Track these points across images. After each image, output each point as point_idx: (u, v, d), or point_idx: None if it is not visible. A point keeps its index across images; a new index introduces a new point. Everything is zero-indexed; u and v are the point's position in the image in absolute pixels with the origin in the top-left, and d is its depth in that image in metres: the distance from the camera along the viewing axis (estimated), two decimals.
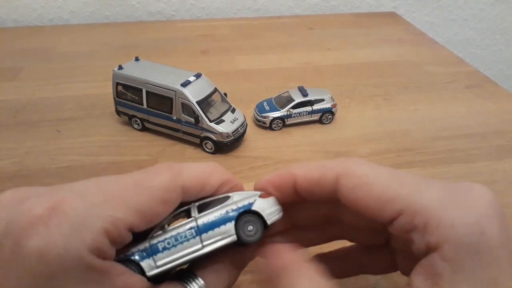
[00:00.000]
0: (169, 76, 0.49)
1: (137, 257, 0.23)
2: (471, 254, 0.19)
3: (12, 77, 0.67)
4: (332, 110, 0.56)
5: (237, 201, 0.24)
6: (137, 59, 0.54)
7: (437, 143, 0.53)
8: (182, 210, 0.25)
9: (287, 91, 0.57)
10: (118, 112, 0.54)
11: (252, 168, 0.48)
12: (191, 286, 0.23)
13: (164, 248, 0.23)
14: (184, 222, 0.24)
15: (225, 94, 0.52)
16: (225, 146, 0.49)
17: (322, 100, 0.55)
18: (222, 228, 0.23)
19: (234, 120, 0.50)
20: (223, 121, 0.49)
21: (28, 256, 0.19)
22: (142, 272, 0.23)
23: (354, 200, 0.23)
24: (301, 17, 0.99)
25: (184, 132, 0.50)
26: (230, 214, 0.24)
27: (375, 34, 0.88)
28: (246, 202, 0.24)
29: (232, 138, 0.49)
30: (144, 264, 0.23)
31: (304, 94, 0.55)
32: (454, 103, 0.63)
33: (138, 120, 0.53)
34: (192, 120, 0.48)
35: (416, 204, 0.21)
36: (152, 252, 0.23)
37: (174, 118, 0.49)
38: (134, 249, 0.23)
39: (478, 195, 0.21)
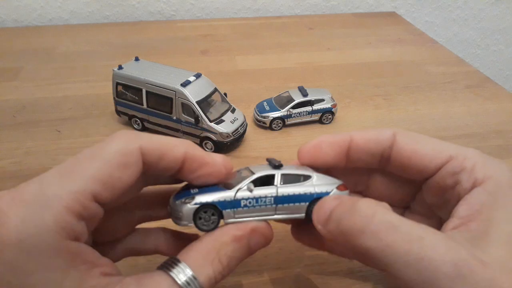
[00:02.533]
0: (169, 76, 0.49)
1: (220, 205, 0.25)
2: (509, 188, 0.24)
3: (12, 77, 0.67)
4: (332, 110, 0.56)
5: (316, 185, 0.27)
6: (137, 59, 0.54)
7: None
8: (269, 174, 0.26)
9: (287, 91, 0.57)
10: (118, 112, 0.54)
11: None
12: (175, 272, 0.22)
13: (245, 206, 0.25)
14: (267, 188, 0.26)
15: (225, 94, 0.52)
16: (225, 146, 0.49)
17: (322, 100, 0.55)
18: (297, 205, 0.26)
19: (234, 120, 0.50)
20: (223, 121, 0.49)
21: None
22: (220, 218, 0.25)
23: (412, 150, 0.27)
24: (301, 17, 0.99)
25: (184, 132, 0.50)
26: (308, 195, 0.26)
27: (375, 34, 0.88)
28: (324, 189, 0.27)
29: (232, 138, 0.49)
30: (225, 213, 0.25)
31: (304, 94, 0.55)
32: (454, 103, 0.63)
33: (138, 120, 0.53)
34: (192, 120, 0.48)
35: (465, 152, 0.26)
36: (234, 205, 0.25)
37: (174, 118, 0.49)
38: (217, 197, 0.25)
39: (502, 162, 0.26)
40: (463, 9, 1.10)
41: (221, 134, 0.48)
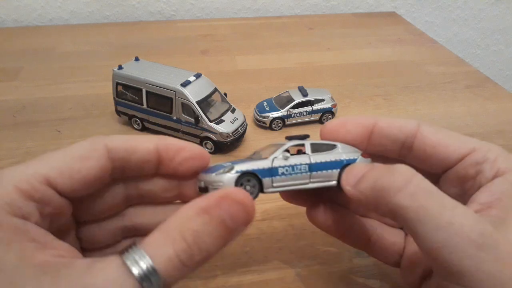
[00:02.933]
0: (169, 76, 0.49)
1: (259, 173, 0.25)
2: None
3: (12, 77, 0.67)
4: (332, 110, 0.56)
5: (343, 153, 0.28)
6: (137, 59, 0.54)
7: None
8: (298, 144, 0.27)
9: (287, 91, 0.57)
10: (118, 112, 0.54)
11: None
12: (129, 257, 0.20)
13: (282, 174, 0.26)
14: (300, 156, 0.27)
15: (225, 94, 0.52)
16: (225, 146, 0.49)
17: (322, 100, 0.55)
18: (329, 172, 0.27)
19: (234, 120, 0.50)
20: (223, 121, 0.49)
21: None
22: (260, 187, 0.25)
23: (436, 139, 0.28)
24: (301, 17, 0.99)
25: (184, 132, 0.50)
26: (338, 162, 0.27)
27: (375, 34, 0.88)
28: (351, 157, 0.28)
29: (232, 138, 0.49)
30: (265, 181, 0.25)
31: (304, 94, 0.55)
32: (454, 103, 0.63)
33: (138, 120, 0.53)
34: (192, 120, 0.48)
35: (488, 145, 0.27)
36: (272, 173, 0.25)
37: (174, 118, 0.49)
38: (256, 165, 0.25)
39: None
40: (463, 9, 1.10)
41: (221, 134, 0.48)
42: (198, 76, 0.50)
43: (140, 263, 0.19)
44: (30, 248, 0.19)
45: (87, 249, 0.27)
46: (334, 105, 0.56)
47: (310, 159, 0.27)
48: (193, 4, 0.95)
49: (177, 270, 0.20)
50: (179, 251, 0.20)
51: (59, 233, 0.23)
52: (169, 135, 0.52)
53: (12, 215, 0.20)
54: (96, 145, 0.23)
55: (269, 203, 0.42)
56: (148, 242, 0.20)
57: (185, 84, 0.47)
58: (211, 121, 0.48)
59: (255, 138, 0.53)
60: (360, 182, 0.25)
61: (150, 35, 0.85)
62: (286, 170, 0.26)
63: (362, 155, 0.29)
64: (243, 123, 0.51)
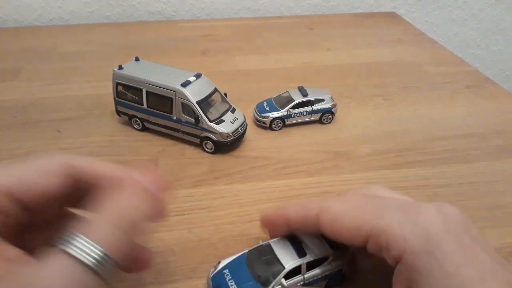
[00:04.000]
0: (169, 76, 0.49)
1: None
2: (426, 255, 0.24)
3: (12, 77, 0.67)
4: (332, 110, 0.56)
5: (333, 262, 0.32)
6: (137, 59, 0.54)
7: (437, 143, 0.53)
8: (296, 266, 0.30)
9: (287, 91, 0.57)
10: (118, 112, 0.54)
11: (252, 168, 0.48)
12: (78, 251, 0.19)
13: None
14: (295, 277, 0.30)
15: (225, 94, 0.52)
16: (225, 146, 0.49)
17: (322, 100, 0.55)
18: (320, 283, 0.32)
19: (234, 120, 0.50)
20: (223, 121, 0.49)
21: None
22: None
23: (332, 232, 0.29)
24: (301, 17, 0.99)
25: (184, 132, 0.50)
26: (327, 275, 0.32)
27: (375, 34, 0.88)
28: (337, 269, 0.32)
29: (232, 138, 0.49)
30: None
31: (304, 94, 0.55)
32: (454, 103, 0.63)
33: (138, 120, 0.53)
34: (192, 120, 0.48)
35: (377, 229, 0.26)
36: None
37: (174, 118, 0.49)
38: None
39: (425, 210, 0.26)
40: (463, 9, 1.10)
41: (221, 134, 0.48)
42: (198, 76, 0.50)
43: (90, 253, 0.19)
44: None
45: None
46: (334, 105, 0.56)
47: (304, 278, 0.30)
48: (193, 4, 0.95)
49: (118, 243, 0.21)
50: (114, 222, 0.21)
51: (8, 235, 0.23)
52: (169, 135, 0.52)
53: None
54: (54, 158, 0.24)
55: (269, 203, 0.42)
56: (90, 229, 0.20)
57: (185, 84, 0.47)
58: (211, 121, 0.48)
59: (255, 138, 0.54)
60: None
61: (150, 35, 0.85)
62: None
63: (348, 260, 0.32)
64: (243, 123, 0.51)
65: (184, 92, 0.47)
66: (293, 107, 0.54)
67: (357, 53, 0.79)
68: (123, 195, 0.23)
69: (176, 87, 0.47)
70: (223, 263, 0.32)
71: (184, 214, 0.41)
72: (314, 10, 1.02)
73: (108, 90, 0.54)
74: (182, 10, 0.96)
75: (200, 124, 0.48)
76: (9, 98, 0.61)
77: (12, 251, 0.21)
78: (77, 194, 0.25)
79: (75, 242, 0.19)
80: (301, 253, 0.31)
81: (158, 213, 0.26)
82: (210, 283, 0.31)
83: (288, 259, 0.30)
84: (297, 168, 0.48)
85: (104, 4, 0.92)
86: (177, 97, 0.47)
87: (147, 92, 0.49)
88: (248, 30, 0.89)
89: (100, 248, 0.19)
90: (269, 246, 0.32)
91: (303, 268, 0.30)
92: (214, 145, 0.49)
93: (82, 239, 0.19)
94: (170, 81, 0.48)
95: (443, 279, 0.23)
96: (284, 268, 0.29)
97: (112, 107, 0.55)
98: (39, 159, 0.24)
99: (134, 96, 0.51)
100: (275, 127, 0.55)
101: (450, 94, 0.66)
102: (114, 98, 0.53)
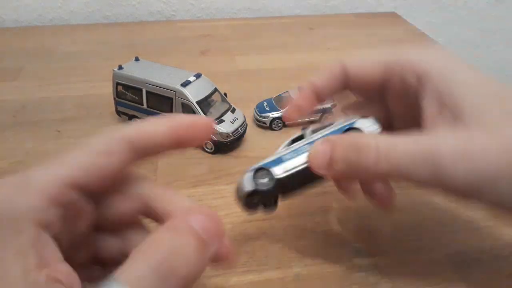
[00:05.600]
0: (169, 76, 0.49)
1: (268, 166, 0.30)
2: (449, 67, 0.28)
3: (12, 77, 0.67)
4: (332, 110, 0.56)
5: (341, 122, 0.31)
6: (137, 59, 0.54)
7: None
8: (299, 136, 0.31)
9: (287, 91, 0.57)
10: (118, 112, 0.54)
11: None
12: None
13: (288, 159, 0.29)
14: (301, 141, 0.31)
15: (225, 94, 0.52)
16: (225, 146, 0.49)
17: None
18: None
19: (234, 120, 0.50)
20: (223, 121, 0.49)
21: None
22: (272, 176, 0.29)
23: (356, 71, 0.33)
24: (301, 17, 0.99)
25: None
26: (337, 128, 0.30)
27: (375, 34, 0.88)
28: (350, 121, 0.31)
29: (232, 138, 0.49)
30: (274, 169, 0.29)
31: None
32: None
33: (138, 120, 0.53)
34: None
35: (400, 54, 0.30)
36: (279, 161, 0.29)
37: None
38: (264, 162, 0.30)
39: (438, 48, 0.32)
40: (463, 9, 1.10)
41: (221, 134, 0.48)
42: (198, 76, 0.50)
43: None
44: (33, 264, 0.18)
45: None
46: (334, 105, 0.56)
47: (311, 139, 0.30)
48: (193, 4, 0.95)
49: None
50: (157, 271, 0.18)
51: (73, 248, 0.22)
52: None
53: (35, 223, 0.19)
54: (114, 136, 0.23)
55: None
56: (126, 275, 0.17)
57: (185, 84, 0.47)
58: None
59: (255, 138, 0.53)
60: (332, 164, 0.27)
61: (150, 35, 0.85)
62: (291, 155, 0.29)
63: (362, 116, 0.31)
64: (243, 123, 0.51)
65: (184, 92, 0.47)
66: None
67: (357, 53, 0.79)
68: (173, 238, 0.19)
69: (176, 87, 0.47)
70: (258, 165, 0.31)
71: None
72: (314, 10, 1.02)
73: (108, 90, 0.54)
74: (182, 10, 0.96)
75: None
76: (9, 98, 0.61)
77: (64, 271, 0.19)
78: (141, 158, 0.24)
79: None
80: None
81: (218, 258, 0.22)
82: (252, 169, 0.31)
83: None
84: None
85: (104, 4, 0.92)
86: (177, 97, 0.47)
87: (147, 92, 0.49)
88: (248, 30, 0.89)
89: None
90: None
91: (309, 134, 0.31)
92: (214, 145, 0.49)
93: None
94: (170, 81, 0.48)
95: (473, 85, 0.27)
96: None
97: (112, 107, 0.54)
98: (94, 141, 0.22)
99: (134, 96, 0.51)
100: (275, 127, 0.55)
101: None
102: (114, 98, 0.53)
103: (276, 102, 0.56)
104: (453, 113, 0.26)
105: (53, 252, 0.20)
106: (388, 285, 0.34)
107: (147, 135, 0.24)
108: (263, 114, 0.55)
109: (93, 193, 0.22)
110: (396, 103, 0.33)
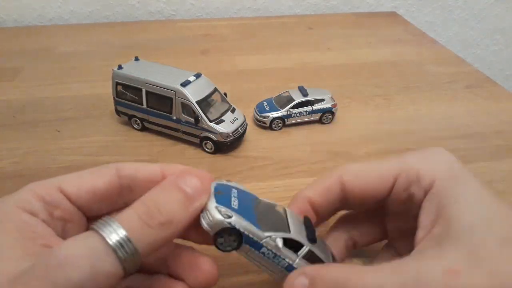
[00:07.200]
0: (169, 76, 0.49)
1: (245, 238, 0.25)
2: (455, 180, 0.26)
3: (12, 77, 0.67)
4: (332, 110, 0.56)
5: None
6: (137, 59, 0.54)
7: (437, 143, 0.53)
8: (300, 243, 0.27)
9: (287, 91, 0.57)
10: (118, 112, 0.54)
11: (252, 168, 0.48)
12: (104, 230, 0.21)
13: (262, 253, 0.26)
14: (289, 252, 0.27)
15: (225, 94, 0.52)
16: (225, 146, 0.49)
17: (322, 100, 0.55)
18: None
19: (234, 120, 0.50)
20: (223, 121, 0.49)
21: None
22: (238, 246, 0.26)
23: (358, 186, 0.29)
24: (301, 17, 0.99)
25: (184, 132, 0.50)
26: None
27: (375, 34, 0.88)
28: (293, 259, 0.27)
29: (232, 138, 0.49)
30: (243, 246, 0.26)
31: (304, 94, 0.55)
32: (454, 103, 0.63)
33: (138, 120, 0.53)
34: (192, 120, 0.48)
35: (407, 164, 0.29)
36: (256, 246, 0.26)
37: (174, 118, 0.49)
38: (246, 231, 0.25)
39: (436, 149, 0.29)
40: (463, 9, 1.10)
41: (221, 134, 0.48)
42: (198, 76, 0.49)
43: (114, 233, 0.21)
44: (28, 239, 0.22)
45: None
46: (334, 105, 0.56)
47: (294, 262, 0.27)
48: (193, 4, 0.95)
49: (142, 231, 0.22)
50: (140, 213, 0.22)
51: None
52: (169, 135, 0.52)
53: (22, 210, 0.23)
54: (106, 166, 0.27)
55: None
56: (119, 216, 0.22)
57: (185, 84, 0.47)
58: (211, 121, 0.48)
59: (255, 138, 0.53)
60: None
61: (150, 35, 0.85)
62: (268, 254, 0.26)
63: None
64: (243, 123, 0.51)
65: (184, 92, 0.47)
66: (293, 107, 0.54)
67: (357, 53, 0.79)
68: (154, 190, 0.24)
69: (176, 86, 0.47)
70: (235, 185, 0.29)
71: None
72: (314, 9, 1.02)
73: (108, 90, 0.53)
74: (182, 10, 0.96)
75: (200, 124, 0.48)
76: (8, 98, 0.61)
77: (57, 240, 0.24)
78: (133, 192, 0.27)
79: (106, 225, 0.21)
80: (311, 237, 0.28)
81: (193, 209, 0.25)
82: (214, 185, 0.27)
83: (297, 232, 0.27)
84: (297, 168, 0.48)
85: (104, 4, 0.92)
86: (176, 97, 0.47)
87: (146, 92, 0.49)
88: (248, 29, 0.89)
89: (123, 231, 0.21)
90: (284, 210, 0.29)
91: (303, 251, 0.27)
92: (214, 145, 0.49)
93: (113, 223, 0.22)
94: (169, 80, 0.48)
95: (472, 202, 0.25)
96: (289, 232, 0.27)
97: (112, 107, 0.54)
98: (95, 168, 0.27)
99: (134, 96, 0.51)
100: (275, 127, 0.55)
101: (450, 94, 0.66)
102: (114, 98, 0.53)
103: (276, 102, 0.56)
104: (444, 229, 0.24)
105: (45, 229, 0.24)
106: None
107: (136, 167, 0.27)
108: (263, 114, 0.54)
109: (80, 202, 0.26)
110: (395, 213, 0.31)
